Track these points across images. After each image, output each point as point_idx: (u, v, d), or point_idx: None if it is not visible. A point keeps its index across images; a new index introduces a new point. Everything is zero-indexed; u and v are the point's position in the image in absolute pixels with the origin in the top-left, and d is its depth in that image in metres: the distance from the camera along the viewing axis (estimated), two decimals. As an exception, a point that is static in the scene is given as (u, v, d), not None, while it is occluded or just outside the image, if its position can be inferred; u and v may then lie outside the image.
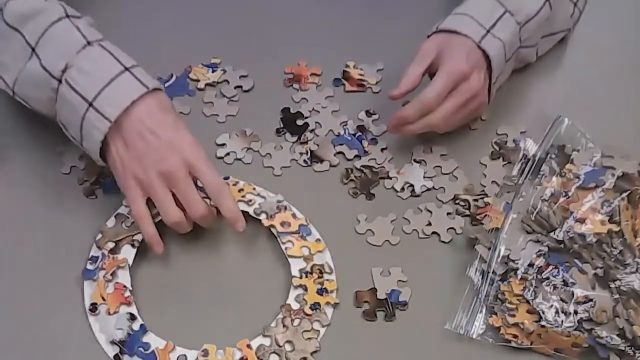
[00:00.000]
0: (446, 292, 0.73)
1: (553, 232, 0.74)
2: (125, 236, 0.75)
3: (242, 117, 0.87)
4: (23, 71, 0.73)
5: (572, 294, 0.70)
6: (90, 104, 0.70)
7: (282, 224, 0.76)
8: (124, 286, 0.72)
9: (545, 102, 0.85)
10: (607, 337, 0.67)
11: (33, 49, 0.72)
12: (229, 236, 0.77)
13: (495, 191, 0.79)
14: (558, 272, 0.71)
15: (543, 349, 0.69)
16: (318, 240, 0.76)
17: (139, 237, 0.75)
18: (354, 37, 0.92)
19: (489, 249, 0.74)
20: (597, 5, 0.95)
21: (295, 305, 0.72)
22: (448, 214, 0.78)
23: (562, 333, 0.68)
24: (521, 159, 0.81)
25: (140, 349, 0.69)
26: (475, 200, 0.79)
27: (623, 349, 0.67)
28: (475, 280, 0.73)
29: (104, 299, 0.72)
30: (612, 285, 0.70)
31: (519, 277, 0.71)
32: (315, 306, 0.71)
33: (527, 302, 0.70)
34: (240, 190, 0.78)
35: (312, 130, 0.85)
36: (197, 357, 0.69)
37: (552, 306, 0.69)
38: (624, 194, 0.75)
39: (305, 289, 0.73)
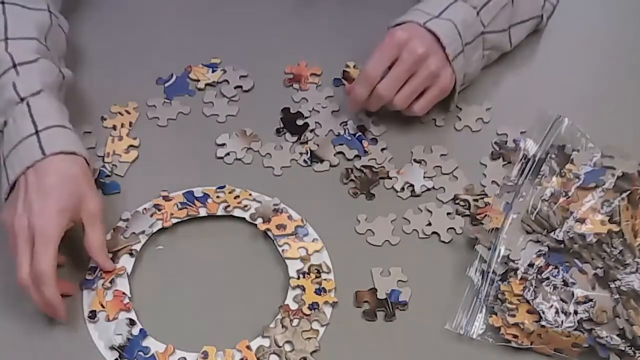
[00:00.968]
0: (446, 292, 0.73)
1: (553, 232, 0.74)
2: (123, 246, 0.75)
3: (242, 117, 0.87)
4: None
5: (572, 294, 0.70)
6: (4, 162, 0.74)
7: (278, 226, 0.76)
8: (123, 293, 0.73)
9: (545, 102, 0.85)
10: (607, 337, 0.67)
11: None
12: (226, 239, 0.77)
13: (495, 191, 0.79)
14: (558, 272, 0.71)
15: (543, 349, 0.69)
16: (315, 240, 0.76)
17: (137, 246, 0.75)
18: (354, 37, 0.92)
19: (489, 249, 0.74)
20: (597, 5, 0.95)
21: (293, 306, 0.72)
22: (448, 214, 0.78)
23: (562, 333, 0.68)
24: (521, 159, 0.81)
25: (140, 353, 0.69)
26: (475, 200, 0.79)
27: (623, 349, 0.67)
28: (475, 280, 0.73)
29: (103, 307, 0.72)
30: (612, 285, 0.70)
31: (519, 277, 0.71)
32: (314, 306, 0.71)
33: (527, 302, 0.70)
34: (237, 197, 0.78)
35: (312, 130, 0.85)
36: (197, 359, 0.69)
37: (552, 306, 0.69)
38: (624, 194, 0.75)
39: (303, 290, 0.73)
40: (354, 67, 0.90)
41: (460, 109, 0.86)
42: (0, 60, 0.75)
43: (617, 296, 0.69)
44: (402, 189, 0.80)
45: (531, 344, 0.69)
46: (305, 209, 0.78)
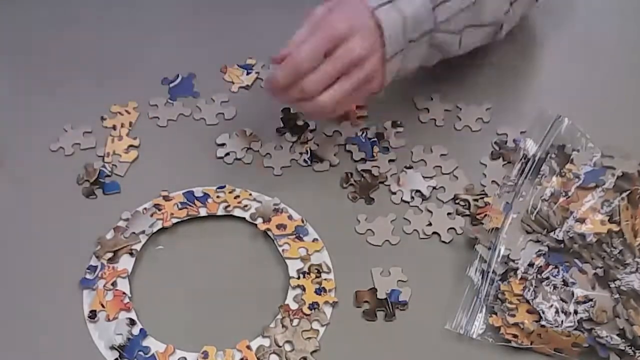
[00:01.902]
0: (446, 292, 0.73)
1: (553, 232, 0.74)
2: (123, 246, 0.75)
3: (242, 117, 0.87)
4: None
5: (572, 293, 0.70)
6: None
7: (278, 226, 0.76)
8: (123, 293, 0.73)
9: (545, 102, 0.85)
10: (607, 337, 0.67)
11: None
12: (226, 239, 0.77)
13: (495, 191, 0.79)
14: (558, 272, 0.71)
15: (543, 349, 0.69)
16: (315, 240, 0.76)
17: (137, 246, 0.75)
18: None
19: (489, 249, 0.74)
20: (597, 5, 0.95)
21: (293, 306, 0.72)
22: (448, 214, 0.78)
23: (562, 333, 0.68)
24: (521, 159, 0.81)
25: (141, 352, 0.70)
26: (475, 200, 0.79)
27: (623, 349, 0.67)
28: (475, 280, 0.73)
29: (103, 306, 0.72)
30: (612, 285, 0.70)
31: (519, 277, 0.71)
32: (314, 306, 0.71)
33: (527, 302, 0.70)
34: (237, 197, 0.78)
35: (312, 130, 0.85)
36: (197, 359, 0.69)
37: (552, 306, 0.69)
38: (624, 194, 0.75)
39: (303, 289, 0.73)
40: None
41: (460, 109, 0.86)
42: None
43: (617, 296, 0.70)
44: (412, 197, 0.79)
45: (531, 344, 0.69)
46: (305, 209, 0.78)
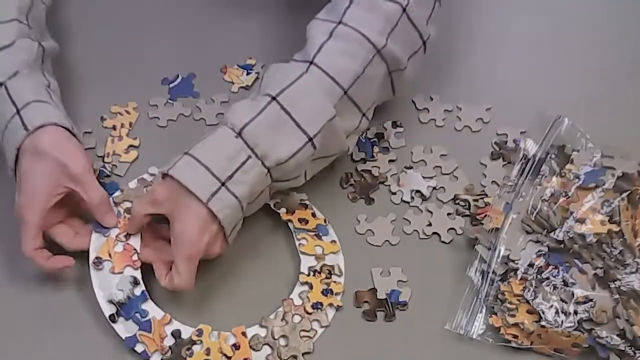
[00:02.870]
0: (446, 292, 0.73)
1: (553, 232, 0.74)
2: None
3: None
4: None
5: (572, 294, 0.70)
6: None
7: (300, 220, 0.76)
8: (134, 249, 0.72)
9: (545, 102, 0.85)
10: (607, 337, 0.67)
11: None
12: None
13: (495, 191, 0.79)
14: (558, 272, 0.71)
15: (543, 349, 0.69)
16: (333, 241, 0.76)
17: None
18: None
19: (489, 249, 0.74)
20: (597, 5, 0.95)
21: (297, 301, 0.72)
22: (448, 214, 0.78)
23: (562, 333, 0.68)
24: (521, 159, 0.81)
25: (137, 314, 0.69)
26: (475, 200, 0.79)
27: (623, 349, 0.67)
28: (475, 280, 0.73)
29: (110, 256, 0.71)
30: (612, 286, 0.70)
31: (519, 277, 0.71)
32: (317, 305, 0.71)
33: (527, 302, 0.70)
34: None
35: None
36: (190, 335, 0.69)
37: (552, 306, 0.69)
38: (624, 194, 0.75)
39: (311, 287, 0.72)
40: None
41: (460, 109, 0.86)
42: None
43: (617, 296, 0.70)
44: (412, 197, 0.79)
45: (531, 344, 0.69)
46: (305, 209, 0.78)
